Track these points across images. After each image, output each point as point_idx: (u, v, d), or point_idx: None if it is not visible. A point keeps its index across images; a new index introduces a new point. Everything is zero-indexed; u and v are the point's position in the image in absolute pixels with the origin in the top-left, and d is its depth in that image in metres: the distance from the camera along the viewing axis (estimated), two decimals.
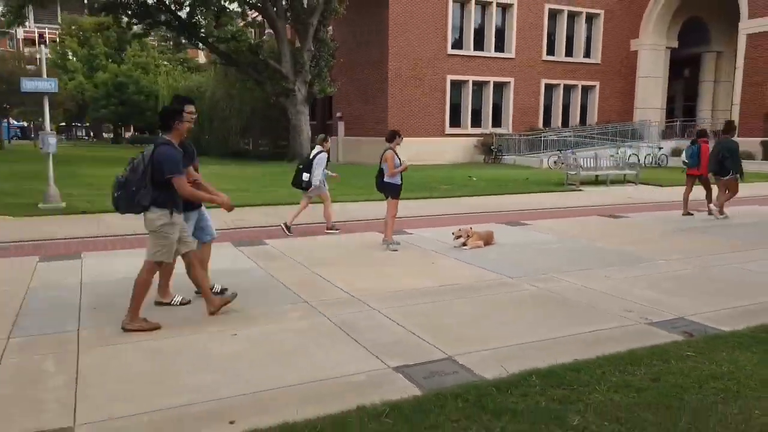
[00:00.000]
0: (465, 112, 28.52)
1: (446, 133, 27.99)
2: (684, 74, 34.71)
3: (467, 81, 28.17)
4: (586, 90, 31.35)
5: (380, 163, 8.36)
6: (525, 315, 5.12)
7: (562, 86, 30.48)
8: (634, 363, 3.86)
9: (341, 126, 31.00)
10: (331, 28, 25.53)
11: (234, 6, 23.72)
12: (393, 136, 8.42)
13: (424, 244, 8.43)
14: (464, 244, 8.17)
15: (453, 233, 8.40)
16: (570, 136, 27.38)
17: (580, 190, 16.54)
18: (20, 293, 5.66)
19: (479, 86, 28.78)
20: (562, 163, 24.76)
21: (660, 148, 28.28)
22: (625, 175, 18.63)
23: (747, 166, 25.05)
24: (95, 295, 5.63)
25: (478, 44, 28.41)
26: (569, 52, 30.53)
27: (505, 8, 28.69)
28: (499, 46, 28.82)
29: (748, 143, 26.48)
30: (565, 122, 30.81)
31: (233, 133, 34.88)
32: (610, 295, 5.72)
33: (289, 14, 24.48)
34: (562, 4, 29.54)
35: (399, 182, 8.41)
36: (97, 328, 4.64)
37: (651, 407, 3.22)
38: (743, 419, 3.09)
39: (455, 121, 28.43)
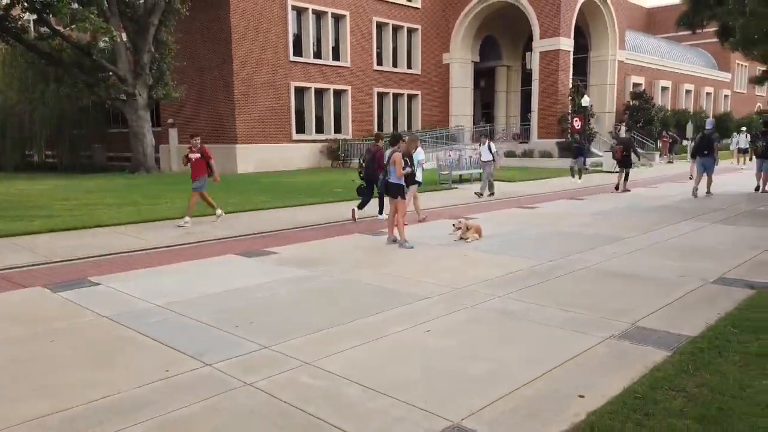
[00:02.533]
0: (309, 118, 28.94)
1: (293, 139, 28.11)
2: (481, 85, 39.67)
3: (310, 88, 28.64)
4: (411, 98, 34.05)
5: (387, 165, 8.68)
6: (618, 287, 6.12)
7: (391, 94, 32.68)
8: (756, 311, 5.10)
9: (174, 133, 29.09)
10: (172, 29, 23.84)
11: None
12: (397, 140, 8.81)
13: (427, 241, 8.97)
14: (462, 238, 8.95)
15: (453, 224, 9.13)
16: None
17: (455, 188, 18.34)
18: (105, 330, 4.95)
19: (320, 93, 29.45)
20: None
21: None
22: (480, 173, 20.97)
23: (546, 163, 29.79)
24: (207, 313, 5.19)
25: (317, 52, 29.09)
26: (395, 63, 32.87)
27: (338, 18, 29.80)
28: (336, 55, 29.85)
29: (546, 144, 31.63)
30: (395, 128, 33.05)
31: (34, 144, 30.38)
32: (647, 266, 7.04)
33: (129, 11, 22.30)
34: (388, 18, 31.70)
35: (404, 183, 8.81)
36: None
37: None
38: None
39: (301, 127, 28.69)
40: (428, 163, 27.29)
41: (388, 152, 8.78)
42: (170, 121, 28.72)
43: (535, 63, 32.15)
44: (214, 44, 25.84)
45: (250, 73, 25.97)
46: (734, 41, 11.53)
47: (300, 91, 28.42)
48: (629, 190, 16.36)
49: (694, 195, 14.42)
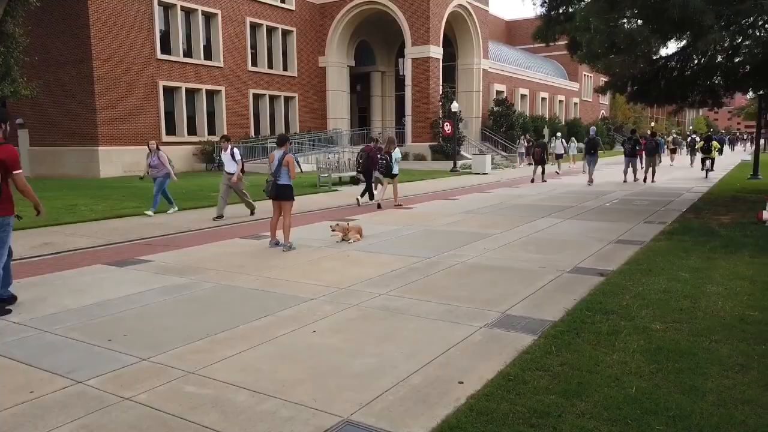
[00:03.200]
0: (180, 119, 27.66)
1: (163, 141, 26.63)
2: (357, 89, 40.33)
3: (180, 88, 27.37)
4: (287, 100, 33.74)
5: (279, 167, 8.56)
6: (489, 280, 6.57)
7: (267, 96, 32.17)
8: (606, 295, 5.75)
9: (24, 135, 26.43)
10: (20, 20, 21.55)
11: None
12: (284, 141, 8.82)
13: (310, 243, 8.98)
14: (344, 239, 9.08)
15: (331, 227, 9.23)
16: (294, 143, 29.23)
17: (336, 190, 18.50)
18: None
19: (192, 93, 28.26)
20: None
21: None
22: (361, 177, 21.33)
23: (421, 165, 30.88)
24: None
25: (188, 51, 27.89)
26: (270, 64, 32.40)
27: (209, 17, 28.80)
28: (208, 55, 28.83)
29: (420, 147, 32.88)
30: (272, 130, 32.59)
31: None
32: (513, 259, 7.62)
33: None
34: (261, 18, 31.18)
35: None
36: None
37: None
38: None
39: (171, 129, 27.35)
40: (306, 166, 27.37)
41: (276, 154, 8.66)
42: (20, 121, 26.03)
43: (407, 69, 33.28)
44: (71, 39, 23.87)
45: (112, 70, 24.30)
46: (581, 54, 12.78)
47: (170, 91, 27.10)
48: (546, 181, 20.99)
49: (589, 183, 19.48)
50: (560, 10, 12.85)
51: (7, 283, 5.72)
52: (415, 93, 33.10)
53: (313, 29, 34.62)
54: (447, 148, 31.02)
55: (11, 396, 3.65)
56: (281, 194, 8.63)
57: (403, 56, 35.24)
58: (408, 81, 33.30)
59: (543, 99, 48.55)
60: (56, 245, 9.08)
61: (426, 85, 32.67)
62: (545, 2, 13.14)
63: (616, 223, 10.77)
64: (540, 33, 13.35)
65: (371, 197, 14.74)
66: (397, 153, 13.79)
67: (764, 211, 9.45)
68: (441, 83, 33.67)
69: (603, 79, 64.38)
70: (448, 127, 27.35)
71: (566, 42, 14.07)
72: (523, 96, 44.61)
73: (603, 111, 64.62)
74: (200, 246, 9.02)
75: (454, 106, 28.10)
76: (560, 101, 52.34)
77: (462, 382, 3.75)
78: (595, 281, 6.33)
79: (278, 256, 8.12)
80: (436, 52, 32.82)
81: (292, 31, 33.40)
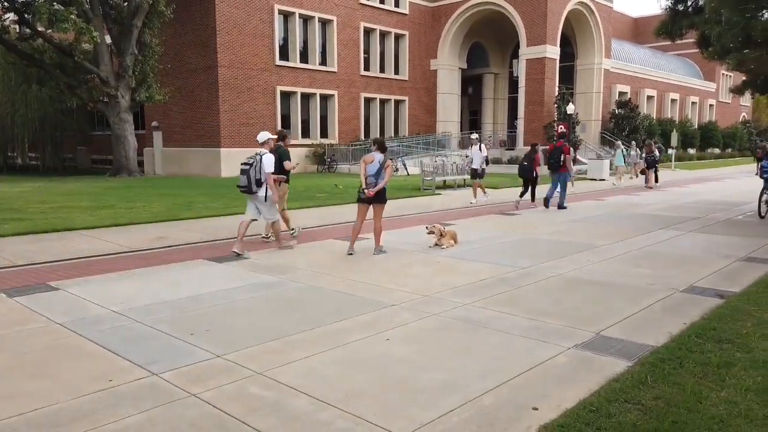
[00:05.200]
0: (295, 122, 28.80)
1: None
2: (469, 92, 39.73)
3: (296, 92, 28.52)
4: (397, 104, 34.01)
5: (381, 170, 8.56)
6: (588, 296, 6.03)
7: (378, 100, 32.63)
8: (722, 320, 5.03)
9: (158, 136, 28.85)
10: (156, 31, 23.66)
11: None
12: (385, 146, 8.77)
13: (402, 247, 8.85)
14: (437, 244, 8.85)
15: (427, 227, 9.05)
16: (396, 146, 29.53)
17: (439, 194, 18.26)
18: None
19: (307, 98, 29.34)
20: (396, 170, 26.76)
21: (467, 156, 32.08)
22: (465, 179, 20.95)
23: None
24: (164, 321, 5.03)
25: (304, 57, 29.00)
26: (382, 68, 32.84)
27: (325, 23, 29.74)
28: (323, 60, 29.78)
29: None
30: (382, 133, 32.99)
31: (17, 146, 30.03)
32: (619, 274, 6.97)
33: (112, 13, 22.10)
34: (375, 23, 31.69)
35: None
36: None
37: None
38: None
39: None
40: (413, 169, 27.39)
41: (377, 157, 8.65)
42: (155, 123, 28.48)
43: (521, 70, 32.26)
44: (200, 47, 25.67)
45: (235, 76, 25.82)
46: (712, 50, 11.55)
47: (286, 96, 28.30)
48: (651, 187, 20.23)
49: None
50: (688, 3, 11.68)
51: None
52: (528, 95, 31.98)
53: (425, 32, 34.62)
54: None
55: (92, 383, 3.84)
56: (376, 197, 8.57)
57: (517, 57, 34.24)
58: (521, 83, 32.26)
59: (673, 100, 44.92)
60: (168, 239, 9.67)
61: (540, 87, 31.44)
62: None
63: (748, 238, 9.57)
64: (664, 28, 12.25)
65: (532, 198, 14.89)
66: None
67: None
68: (557, 84, 32.26)
69: (744, 78, 58.55)
70: (562, 130, 26.07)
71: (695, 38, 12.77)
72: (649, 97, 41.58)
73: (744, 113, 58.65)
74: (297, 245, 9.19)
75: (570, 108, 26.78)
76: (693, 103, 48.16)
77: (536, 409, 3.40)
78: (712, 303, 5.59)
79: (368, 260, 8.05)
80: (553, 52, 31.48)
81: (405, 34, 33.61)
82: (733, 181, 23.73)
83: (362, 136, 31.65)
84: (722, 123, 50.55)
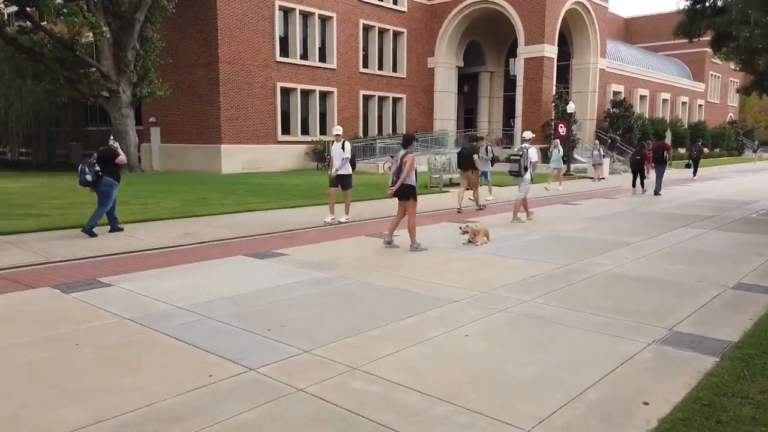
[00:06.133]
0: (295, 119, 28.70)
1: (278, 140, 27.84)
2: (464, 90, 39.86)
3: (296, 89, 28.41)
4: (395, 102, 34.03)
5: (401, 166, 8.57)
6: (641, 292, 6.13)
7: (377, 97, 32.61)
8: None
9: (156, 132, 28.57)
10: (158, 26, 23.39)
11: None
12: (410, 141, 8.76)
13: (434, 244, 8.89)
14: (470, 241, 8.90)
15: (461, 227, 9.10)
16: (395, 144, 29.56)
17: (447, 191, 18.33)
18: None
19: (306, 95, 29.24)
20: (389, 168, 26.75)
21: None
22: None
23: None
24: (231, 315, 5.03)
25: (304, 54, 28.89)
26: (381, 66, 32.82)
27: (325, 20, 29.65)
28: (323, 57, 29.69)
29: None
30: (380, 130, 33.01)
31: (11, 140, 29.54)
32: (659, 270, 7.08)
33: (113, 7, 21.80)
34: (374, 21, 31.66)
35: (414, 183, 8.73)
36: None
37: None
38: None
39: (286, 129, 28.44)
40: (419, 167, 27.37)
41: (400, 153, 8.68)
42: (152, 119, 28.19)
43: (519, 69, 32.44)
44: (201, 43, 25.44)
45: (236, 72, 25.65)
46: (728, 51, 11.75)
47: (286, 92, 28.18)
48: (645, 191, 18.36)
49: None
50: (707, 3, 11.86)
51: None
52: (526, 94, 32.18)
53: (423, 30, 34.66)
54: (566, 152, 29.87)
55: (192, 379, 3.83)
56: (402, 194, 8.58)
57: (514, 56, 34.44)
58: (519, 81, 32.45)
59: (664, 100, 45.52)
60: (196, 236, 9.61)
61: (538, 86, 31.66)
62: None
63: (746, 235, 9.74)
64: (683, 28, 12.43)
65: (642, 186, 17.81)
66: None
67: None
68: (554, 83, 32.51)
69: (732, 79, 59.50)
70: (562, 129, 26.30)
71: (710, 38, 12.96)
72: (642, 97, 42.09)
73: (731, 114, 59.57)
74: (328, 242, 9.19)
75: (570, 107, 27.01)
76: (683, 103, 48.84)
77: (647, 403, 3.46)
78: (766, 300, 5.71)
79: (407, 256, 8.08)
80: (551, 51, 31.72)
81: (403, 32, 33.62)
82: (729, 180, 24.14)
83: (361, 134, 31.63)
84: (710, 123, 51.28)
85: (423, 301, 5.72)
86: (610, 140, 34.15)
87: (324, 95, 30.00)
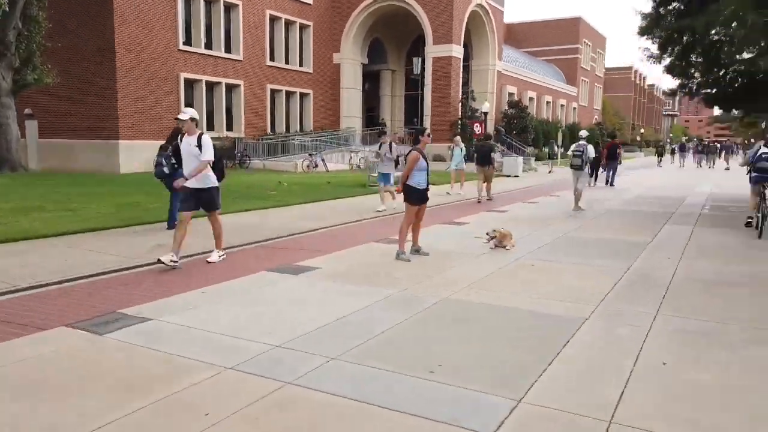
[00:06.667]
0: (199, 113, 26.28)
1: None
2: (366, 87, 39.44)
3: (200, 81, 26.10)
4: (303, 97, 32.67)
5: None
6: (750, 298, 5.89)
7: (284, 92, 31.05)
8: None
9: (33, 125, 24.78)
10: (45, 3, 20.10)
11: None
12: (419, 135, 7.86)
13: (465, 250, 8.15)
14: (498, 245, 8.29)
15: (487, 233, 8.44)
16: (308, 141, 28.30)
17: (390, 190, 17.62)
18: None
19: (212, 87, 27.00)
20: (315, 166, 25.63)
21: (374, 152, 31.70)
22: None
23: (442, 166, 30.22)
24: None
25: (209, 43, 26.64)
26: (288, 59, 31.29)
27: (230, 7, 27.60)
28: (228, 47, 27.61)
29: (439, 148, 32.17)
30: (288, 127, 31.48)
31: None
32: (729, 273, 6.97)
33: None
34: (280, 12, 30.07)
35: (424, 186, 7.74)
36: None
37: None
38: None
39: None
40: (331, 165, 26.39)
41: (392, 149, 7.80)
42: (28, 111, 24.34)
43: (427, 68, 32.58)
44: (94, 26, 22.38)
45: (135, 60, 22.92)
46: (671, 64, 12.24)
47: (190, 84, 25.82)
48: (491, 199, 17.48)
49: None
50: (669, 7, 12.35)
51: None
52: (435, 93, 32.43)
53: (329, 25, 33.62)
54: (468, 149, 30.43)
55: None
56: (404, 194, 7.65)
57: (416, 55, 34.62)
58: (427, 80, 32.62)
59: (547, 103, 48.53)
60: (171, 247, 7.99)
61: (447, 85, 32.04)
62: None
63: (742, 237, 10.18)
64: (647, 31, 12.81)
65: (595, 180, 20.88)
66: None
67: None
68: (461, 83, 33.10)
69: (597, 85, 65.04)
70: (478, 128, 26.72)
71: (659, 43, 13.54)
72: (530, 99, 44.43)
73: (596, 116, 65.13)
74: (343, 251, 8.08)
75: (485, 107, 27.55)
76: (561, 105, 52.45)
77: None
78: None
79: (444, 264, 7.22)
80: (458, 51, 32.24)
81: (309, 25, 32.35)
82: (632, 177, 25.91)
83: (269, 130, 29.94)
84: (583, 124, 55.60)
85: (545, 320, 4.98)
86: (496, 131, 35.31)
87: (230, 88, 27.93)
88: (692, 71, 15.15)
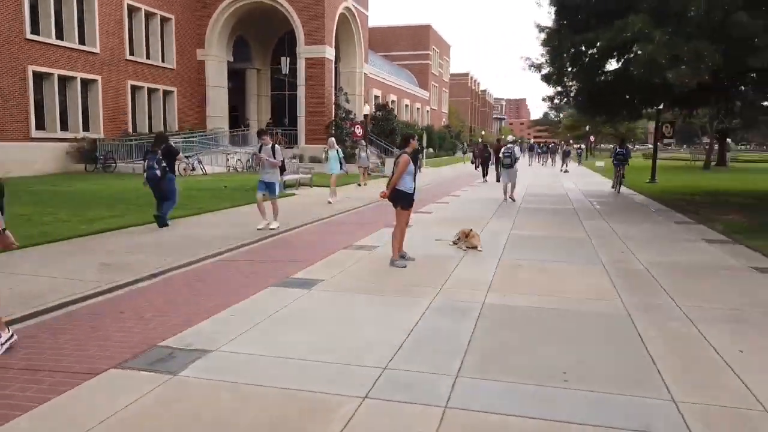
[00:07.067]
0: (52, 112, 23.29)
1: (32, 136, 22.21)
2: (229, 86, 37.77)
3: (52, 75, 23.04)
4: (166, 95, 30.34)
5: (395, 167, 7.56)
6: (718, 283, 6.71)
7: (146, 89, 28.58)
8: None
9: None
10: None
11: None
12: (408, 140, 7.77)
13: (435, 251, 8.22)
14: (470, 247, 8.49)
15: (456, 235, 8.60)
16: (181, 142, 26.32)
17: (294, 194, 17.15)
18: None
19: (65, 82, 23.96)
20: (192, 169, 24.04)
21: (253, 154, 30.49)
22: (300, 179, 20.01)
23: (322, 168, 30.06)
24: None
25: (60, 33, 23.59)
26: (149, 54, 28.85)
27: None
28: (83, 38, 24.70)
29: (315, 150, 31.94)
30: (151, 128, 29.01)
31: None
32: (680, 259, 7.87)
33: None
34: (138, 2, 27.62)
35: (413, 189, 7.73)
36: None
37: None
38: None
39: (41, 123, 22.90)
40: (209, 167, 24.91)
41: (396, 153, 7.73)
42: None
43: (300, 69, 32.06)
44: None
45: None
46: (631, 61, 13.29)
47: (40, 78, 22.71)
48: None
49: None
50: (569, 21, 13.55)
51: None
52: (309, 94, 32.02)
53: (192, 19, 31.59)
54: (345, 151, 30.63)
55: None
56: (393, 199, 7.52)
57: (283, 54, 33.94)
58: (300, 81, 32.09)
59: (406, 106, 50.39)
60: (124, 266, 7.03)
61: (321, 87, 31.82)
62: (558, 11, 13.72)
63: (646, 224, 11.52)
64: (550, 41, 13.90)
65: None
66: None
67: None
68: (334, 85, 33.09)
69: (444, 90, 69.02)
70: (359, 130, 26.94)
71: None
72: (393, 102, 45.82)
73: (444, 119, 69.12)
74: (324, 260, 7.70)
75: (366, 109, 27.82)
76: (417, 108, 54.82)
77: None
78: None
79: (440, 269, 7.24)
80: (330, 53, 32.19)
81: (171, 18, 30.12)
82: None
83: (131, 129, 27.35)
84: (435, 127, 58.73)
85: (596, 318, 5.25)
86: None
87: (86, 84, 25.06)
88: (568, 80, 16.75)
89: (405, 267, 7.29)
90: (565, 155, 36.74)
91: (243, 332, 4.71)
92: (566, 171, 33.74)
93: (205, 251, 8.02)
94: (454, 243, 8.74)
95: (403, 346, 4.42)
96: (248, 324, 4.94)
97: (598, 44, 11.94)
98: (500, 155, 16.50)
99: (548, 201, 16.23)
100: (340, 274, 6.91)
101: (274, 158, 10.07)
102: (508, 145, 16.38)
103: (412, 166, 7.51)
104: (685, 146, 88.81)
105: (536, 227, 11.02)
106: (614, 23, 11.46)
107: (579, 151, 45.36)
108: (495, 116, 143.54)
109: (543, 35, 14.23)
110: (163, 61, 29.89)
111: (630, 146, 68.62)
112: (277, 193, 10.43)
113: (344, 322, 5.06)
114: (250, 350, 4.30)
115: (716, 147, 43.66)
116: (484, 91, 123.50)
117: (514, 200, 15.74)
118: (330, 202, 14.54)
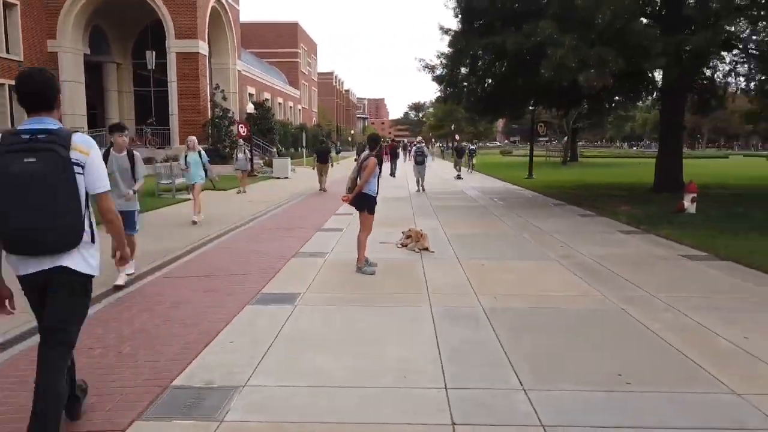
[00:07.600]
0: None
1: None
2: (85, 81, 34.24)
3: None
4: (11, 89, 26.62)
5: (360, 172, 7.24)
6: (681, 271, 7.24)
7: (7, 86, 24.90)
8: None
9: None
10: None
11: None
12: (377, 142, 7.53)
13: (397, 255, 8.00)
14: (422, 248, 8.38)
15: (403, 233, 8.45)
16: None
17: (189, 198, 15.90)
18: None
19: None
20: None
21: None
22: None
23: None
24: None
25: None
26: None
27: None
28: None
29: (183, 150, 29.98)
30: None
31: None
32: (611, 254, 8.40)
33: None
34: None
35: (376, 193, 7.46)
36: None
37: None
38: None
39: None
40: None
41: (363, 155, 7.41)
42: None
43: (171, 64, 29.89)
44: None
45: None
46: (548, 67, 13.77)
47: None
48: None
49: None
50: (475, 24, 13.96)
51: None
52: (181, 91, 29.95)
53: (40, 6, 28.08)
54: (223, 152, 29.26)
55: None
56: (358, 203, 7.25)
57: (146, 47, 31.53)
58: (172, 77, 29.91)
59: (279, 104, 49.21)
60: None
61: (195, 83, 29.93)
62: (462, 14, 14.04)
63: (555, 218, 12.25)
64: (458, 44, 14.19)
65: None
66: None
67: (683, 202, 12.19)
68: (209, 82, 31.31)
69: (313, 89, 68.50)
70: (243, 130, 25.64)
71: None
72: (267, 100, 44.47)
73: (314, 118, 68.68)
74: (282, 270, 7.14)
75: (249, 107, 26.63)
76: (290, 107, 53.84)
77: None
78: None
79: (408, 273, 7.08)
80: (204, 48, 30.41)
81: (16, 5, 26.52)
82: (385, 169, 28.22)
83: None
84: (308, 125, 58.16)
85: (599, 316, 5.38)
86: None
87: None
88: (460, 82, 17.37)
89: (374, 274, 6.97)
90: (460, 155, 28.49)
91: (259, 361, 4.15)
92: (460, 177, 25.48)
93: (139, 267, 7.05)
94: (404, 245, 8.57)
95: (443, 362, 4.16)
96: (257, 350, 4.36)
97: (506, 47, 12.39)
98: (413, 153, 19.92)
99: (453, 198, 16.66)
100: (312, 285, 6.43)
101: (132, 175, 6.73)
102: (419, 146, 19.81)
103: (378, 169, 7.28)
104: (528, 143, 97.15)
105: (464, 225, 11.19)
106: (522, 28, 11.98)
107: (471, 150, 32.30)
108: (359, 116, 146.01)
109: (447, 37, 14.53)
110: (8, 52, 26.25)
111: (479, 143, 74.20)
112: (137, 228, 6.88)
113: (361, 340, 4.67)
114: (283, 381, 3.79)
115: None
116: (348, 90, 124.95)
117: (424, 190, 18.71)
118: (195, 222, 11.19)
